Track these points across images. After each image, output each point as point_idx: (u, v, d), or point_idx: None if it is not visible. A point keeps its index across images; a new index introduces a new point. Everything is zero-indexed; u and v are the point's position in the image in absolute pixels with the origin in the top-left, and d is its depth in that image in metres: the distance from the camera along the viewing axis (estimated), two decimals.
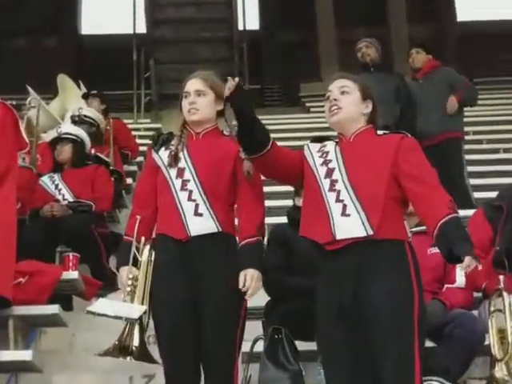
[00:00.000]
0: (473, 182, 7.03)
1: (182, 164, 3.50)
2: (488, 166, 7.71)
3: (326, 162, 3.26)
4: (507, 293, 3.42)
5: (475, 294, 3.93)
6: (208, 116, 3.56)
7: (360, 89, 3.35)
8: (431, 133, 6.58)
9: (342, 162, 3.23)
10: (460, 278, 3.81)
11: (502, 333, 3.39)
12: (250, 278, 3.35)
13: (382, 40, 8.24)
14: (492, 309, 3.46)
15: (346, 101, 3.30)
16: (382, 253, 3.09)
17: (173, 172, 3.49)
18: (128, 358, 3.22)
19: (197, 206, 3.44)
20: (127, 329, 3.23)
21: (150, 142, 3.70)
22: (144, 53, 11.98)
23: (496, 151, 8.50)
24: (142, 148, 8.37)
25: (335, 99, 3.30)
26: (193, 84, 3.58)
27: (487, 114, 10.46)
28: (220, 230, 3.45)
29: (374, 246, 3.09)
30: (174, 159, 3.49)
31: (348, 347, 3.05)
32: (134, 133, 8.78)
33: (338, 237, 3.11)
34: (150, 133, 9.92)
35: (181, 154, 3.51)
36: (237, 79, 3.21)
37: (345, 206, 3.14)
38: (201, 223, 3.43)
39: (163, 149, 3.58)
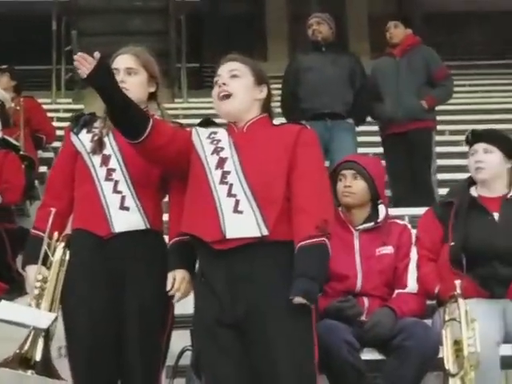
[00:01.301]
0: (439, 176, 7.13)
1: (107, 151, 3.48)
2: (451, 160, 7.80)
3: (217, 151, 3.27)
4: (463, 299, 3.47)
5: (429, 301, 3.97)
6: (139, 97, 3.52)
7: (253, 72, 3.36)
8: (402, 118, 6.64)
9: (236, 153, 3.25)
10: (412, 283, 3.86)
11: (457, 345, 3.43)
12: (179, 280, 3.34)
13: (337, 16, 8.29)
14: (446, 318, 3.52)
15: (237, 85, 3.31)
16: (276, 257, 3.14)
17: (96, 159, 3.47)
18: (29, 372, 3.17)
19: (123, 198, 3.43)
20: (30, 338, 3.19)
21: (70, 123, 3.66)
22: (65, 22, 11.80)
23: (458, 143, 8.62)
24: (60, 132, 8.30)
25: (224, 83, 3.31)
26: (123, 60, 3.56)
27: (451, 102, 10.58)
28: (148, 226, 3.45)
29: (268, 248, 3.13)
30: (99, 145, 3.47)
31: (233, 358, 3.10)
32: (51, 114, 8.73)
33: (229, 235, 3.12)
34: (70, 115, 9.84)
35: (106, 139, 3.49)
36: (97, 54, 3.14)
37: (237, 202, 3.16)
38: (127, 218, 3.42)
39: (84, 131, 3.55)
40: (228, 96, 3.31)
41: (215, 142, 3.31)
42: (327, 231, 3.12)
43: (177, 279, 3.35)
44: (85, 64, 3.14)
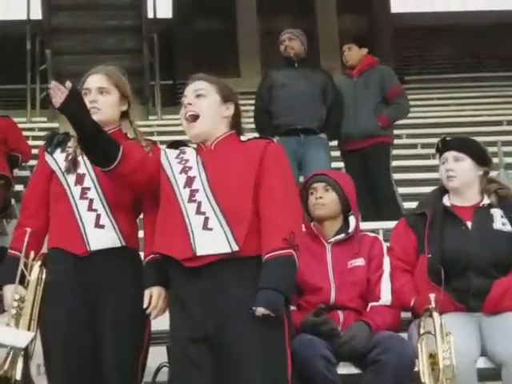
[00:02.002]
0: (408, 190, 7.16)
1: (81, 169, 3.47)
2: (423, 173, 7.85)
3: (185, 170, 3.29)
4: (438, 313, 3.47)
5: (405, 314, 3.97)
6: (111, 117, 3.55)
7: (219, 90, 3.36)
8: (358, 135, 6.73)
9: (204, 171, 3.27)
10: (386, 295, 3.86)
11: (432, 358, 3.43)
12: (155, 297, 3.34)
13: (309, 32, 8.32)
14: (421, 331, 3.51)
15: (203, 105, 3.32)
16: (247, 272, 3.15)
17: (70, 178, 3.47)
18: None
19: (98, 216, 3.43)
20: (10, 357, 3.17)
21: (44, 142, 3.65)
22: (39, 42, 11.79)
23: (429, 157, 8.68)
24: (35, 150, 8.25)
25: (189, 103, 3.32)
26: (95, 80, 3.55)
27: (422, 115, 10.67)
28: (124, 244, 3.45)
29: (238, 264, 3.14)
30: (73, 164, 3.46)
31: (205, 374, 3.10)
32: (27, 133, 8.69)
33: (199, 252, 3.14)
34: (45, 133, 9.80)
35: (80, 158, 3.48)
36: (69, 83, 3.15)
37: (206, 219, 3.17)
38: (102, 236, 3.42)
39: (59, 151, 3.55)
40: (195, 117, 3.31)
41: (183, 162, 3.32)
42: (294, 243, 3.12)
43: (153, 296, 3.34)
44: (58, 93, 3.13)
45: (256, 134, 5.45)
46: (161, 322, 3.48)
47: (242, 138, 3.42)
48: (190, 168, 3.29)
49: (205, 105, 3.32)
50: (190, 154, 3.37)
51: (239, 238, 3.14)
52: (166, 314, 3.41)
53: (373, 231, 4.61)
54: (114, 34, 11.92)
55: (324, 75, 6.81)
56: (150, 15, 12.19)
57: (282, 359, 3.13)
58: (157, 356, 3.61)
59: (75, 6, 11.94)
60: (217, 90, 3.36)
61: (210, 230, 3.16)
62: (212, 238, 3.15)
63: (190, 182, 3.25)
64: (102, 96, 3.53)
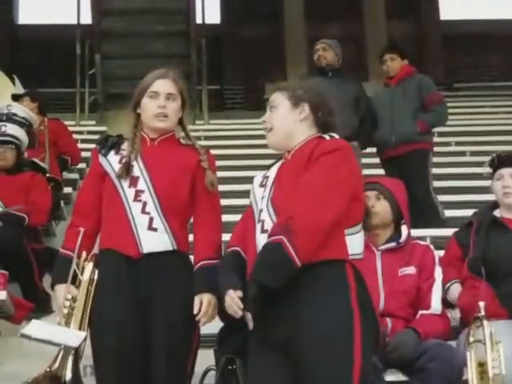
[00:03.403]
0: (456, 198, 7.12)
1: (135, 172, 3.49)
2: (471, 181, 7.79)
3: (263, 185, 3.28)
4: (487, 321, 3.46)
5: (454, 323, 3.96)
6: (173, 124, 3.59)
7: (288, 96, 3.29)
8: (396, 142, 6.75)
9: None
10: (436, 304, 3.85)
11: (481, 366, 3.40)
12: (206, 304, 3.38)
13: (357, 38, 8.32)
14: (471, 339, 3.49)
15: (273, 117, 3.29)
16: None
17: (125, 181, 3.49)
18: None
19: (151, 219, 3.45)
20: (60, 356, 3.19)
21: (96, 145, 3.68)
22: (89, 46, 11.92)
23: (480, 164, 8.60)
24: (84, 154, 8.36)
25: (264, 121, 3.32)
26: (164, 85, 3.56)
27: (471, 123, 10.60)
28: (175, 247, 3.47)
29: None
30: (126, 169, 3.48)
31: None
32: (76, 136, 8.74)
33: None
34: (94, 136, 9.89)
35: (134, 162, 3.51)
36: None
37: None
38: (155, 239, 3.44)
39: (112, 153, 3.57)
40: (270, 129, 3.29)
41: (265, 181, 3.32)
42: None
43: (204, 303, 3.38)
44: None
45: None
46: (208, 326, 3.51)
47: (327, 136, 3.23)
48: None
49: (275, 117, 3.28)
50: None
51: None
52: (215, 319, 3.45)
53: (421, 238, 4.60)
54: (163, 39, 11.98)
55: (356, 85, 6.92)
56: (199, 20, 12.24)
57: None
58: (204, 360, 3.63)
59: (124, 11, 12.01)
60: (287, 96, 3.29)
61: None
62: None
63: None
64: (170, 102, 3.55)
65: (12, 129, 6.22)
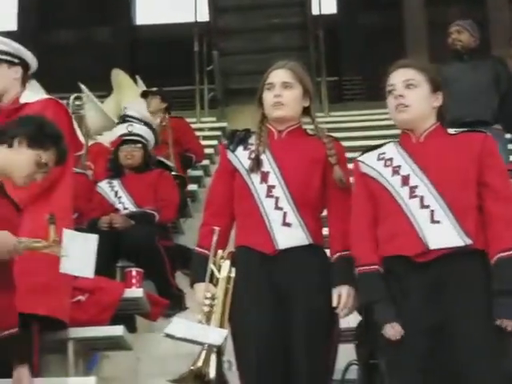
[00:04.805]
0: None
1: (265, 167, 3.49)
2: None
3: (395, 171, 3.28)
4: None
5: None
6: (294, 112, 3.56)
7: (428, 79, 3.32)
8: None
9: (417, 166, 3.25)
10: None
11: None
12: (345, 296, 3.35)
13: (479, 22, 8.09)
14: None
15: (414, 96, 3.29)
16: (473, 265, 3.14)
17: (255, 176, 3.48)
18: None
19: (285, 214, 3.43)
20: (204, 354, 3.21)
21: (224, 140, 3.69)
22: (207, 43, 12.05)
23: None
24: (207, 150, 8.45)
25: (400, 95, 3.29)
26: (279, 75, 3.56)
27: None
28: (311, 241, 3.44)
29: (468, 257, 3.13)
30: (256, 163, 3.48)
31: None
32: (197, 133, 8.81)
33: (432, 246, 3.12)
34: (216, 133, 10.00)
35: (263, 156, 3.50)
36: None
37: (432, 212, 3.16)
38: (290, 234, 3.42)
39: (241, 149, 3.57)
40: (406, 108, 3.30)
41: (388, 163, 3.32)
42: None
43: (343, 295, 3.35)
44: None
45: None
46: (349, 320, 3.49)
47: (450, 130, 3.38)
48: (399, 166, 3.28)
49: (416, 97, 3.30)
50: (391, 150, 3.35)
51: (471, 232, 3.14)
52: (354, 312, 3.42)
53: None
54: (280, 33, 12.02)
55: (496, 63, 6.67)
56: (315, 11, 12.21)
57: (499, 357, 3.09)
58: (345, 354, 3.61)
59: (240, 7, 12.12)
60: (427, 78, 3.33)
61: (438, 222, 3.16)
62: (443, 232, 3.15)
63: (405, 180, 3.25)
64: (287, 91, 3.53)
65: (139, 128, 6.34)
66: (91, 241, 3.44)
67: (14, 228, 3.35)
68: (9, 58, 4.19)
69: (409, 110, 3.30)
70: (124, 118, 6.69)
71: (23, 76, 4.26)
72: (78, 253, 3.36)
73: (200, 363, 3.18)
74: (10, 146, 3.42)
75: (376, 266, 3.24)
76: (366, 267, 3.25)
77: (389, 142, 3.43)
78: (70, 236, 3.38)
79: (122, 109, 7.20)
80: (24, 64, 4.26)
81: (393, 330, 3.11)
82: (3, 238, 3.22)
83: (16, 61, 4.21)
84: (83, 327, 4.33)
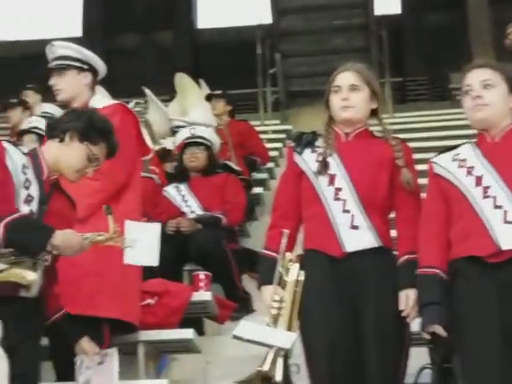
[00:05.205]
0: None
1: (332, 170, 3.48)
2: None
3: (469, 171, 3.26)
4: None
5: None
6: (361, 115, 3.55)
7: (505, 79, 3.33)
8: None
9: (491, 166, 3.24)
10: None
11: None
12: (412, 298, 3.34)
13: None
14: None
15: (492, 97, 3.29)
16: None
17: (322, 179, 3.48)
18: None
19: (352, 217, 3.43)
20: (271, 357, 3.22)
21: (291, 142, 3.69)
22: (269, 46, 12.06)
23: None
24: (271, 153, 8.45)
25: (478, 96, 3.28)
26: (346, 77, 3.56)
27: None
28: (380, 244, 3.43)
29: None
30: (324, 166, 3.48)
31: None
32: (261, 136, 8.82)
33: (504, 247, 3.11)
34: (280, 135, 9.99)
35: (330, 159, 3.50)
36: None
37: (506, 212, 3.15)
38: (358, 237, 3.42)
39: (308, 151, 3.57)
40: (483, 107, 3.30)
41: (463, 163, 3.31)
42: None
43: (410, 298, 3.34)
44: None
45: None
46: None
47: None
48: (473, 167, 3.28)
49: (494, 96, 3.31)
50: (466, 151, 3.35)
51: None
52: None
53: None
54: (342, 34, 12.00)
55: None
56: (378, 12, 12.15)
57: None
58: (418, 357, 3.58)
59: (302, 8, 12.11)
60: (504, 78, 3.34)
61: (511, 223, 3.15)
62: None
63: (479, 180, 3.24)
64: (354, 93, 3.53)
65: (201, 131, 6.38)
66: (154, 229, 3.46)
67: (69, 223, 3.39)
68: (78, 64, 4.26)
69: (486, 110, 3.29)
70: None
71: (92, 82, 4.32)
72: (142, 243, 3.38)
73: (267, 366, 3.19)
74: (62, 140, 3.43)
75: (434, 270, 3.23)
76: (423, 269, 3.26)
77: (465, 142, 3.43)
78: (132, 227, 3.40)
79: (185, 112, 7.26)
80: (93, 70, 4.32)
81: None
82: (69, 238, 3.25)
83: (85, 67, 4.28)
84: (153, 330, 4.37)
